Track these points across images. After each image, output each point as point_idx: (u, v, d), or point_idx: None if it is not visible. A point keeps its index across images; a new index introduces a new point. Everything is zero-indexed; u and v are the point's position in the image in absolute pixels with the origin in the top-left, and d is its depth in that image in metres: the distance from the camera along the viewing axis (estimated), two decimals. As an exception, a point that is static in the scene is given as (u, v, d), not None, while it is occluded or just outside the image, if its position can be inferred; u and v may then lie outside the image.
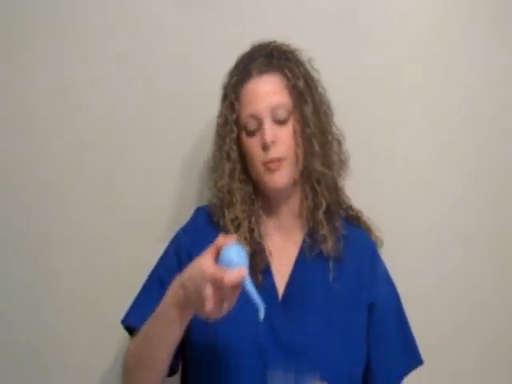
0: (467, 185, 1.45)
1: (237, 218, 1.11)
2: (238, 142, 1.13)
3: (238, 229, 1.10)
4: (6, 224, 1.40)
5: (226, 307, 0.88)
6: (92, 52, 1.41)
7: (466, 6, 1.45)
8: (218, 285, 0.85)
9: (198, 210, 1.21)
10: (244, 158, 1.14)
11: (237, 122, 1.12)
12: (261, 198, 1.16)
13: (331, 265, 1.11)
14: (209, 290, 0.86)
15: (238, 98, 1.11)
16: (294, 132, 1.10)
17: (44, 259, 1.41)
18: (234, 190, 1.13)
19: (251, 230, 1.11)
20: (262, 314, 0.86)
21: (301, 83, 1.11)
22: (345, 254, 1.12)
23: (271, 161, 1.08)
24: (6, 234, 1.40)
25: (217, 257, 0.89)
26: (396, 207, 1.42)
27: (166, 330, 0.95)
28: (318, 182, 1.12)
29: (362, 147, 1.39)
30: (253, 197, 1.15)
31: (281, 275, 1.11)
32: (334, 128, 1.17)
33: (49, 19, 1.40)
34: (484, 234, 1.45)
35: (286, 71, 1.11)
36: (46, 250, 1.41)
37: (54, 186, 1.41)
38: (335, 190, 1.16)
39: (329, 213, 1.13)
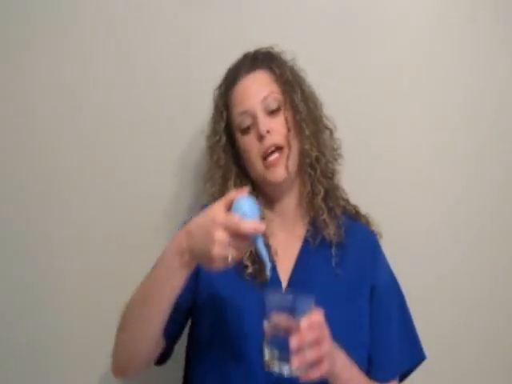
0: (467, 185, 1.45)
1: None
2: (233, 148, 1.17)
3: None
4: (5, 224, 1.41)
5: (232, 258, 0.89)
6: (92, 52, 1.41)
7: (466, 6, 1.45)
8: (231, 230, 0.87)
9: (203, 209, 1.22)
10: (240, 163, 1.17)
11: (229, 127, 1.16)
12: (262, 197, 1.17)
13: (333, 251, 1.13)
14: (220, 234, 0.87)
15: (227, 103, 1.16)
16: (286, 120, 1.13)
17: (44, 259, 1.41)
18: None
19: None
20: (268, 272, 0.91)
21: (288, 75, 1.15)
22: (347, 242, 1.14)
23: (268, 149, 1.10)
24: (6, 234, 1.41)
25: (228, 210, 0.91)
26: (396, 207, 1.42)
27: (166, 279, 0.95)
28: (314, 169, 1.15)
29: (362, 147, 1.39)
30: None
31: (284, 270, 1.12)
32: (324, 117, 1.20)
33: (49, 19, 1.41)
34: (484, 233, 1.45)
35: (273, 66, 1.16)
36: (45, 250, 1.41)
37: (54, 186, 1.41)
38: (332, 177, 1.18)
39: (327, 199, 1.16)
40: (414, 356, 1.16)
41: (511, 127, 1.46)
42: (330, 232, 1.14)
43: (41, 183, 1.41)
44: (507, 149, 1.46)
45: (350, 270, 1.13)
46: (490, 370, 1.44)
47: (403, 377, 1.17)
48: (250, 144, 1.12)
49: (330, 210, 1.16)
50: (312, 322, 0.89)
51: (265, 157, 1.11)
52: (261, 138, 1.10)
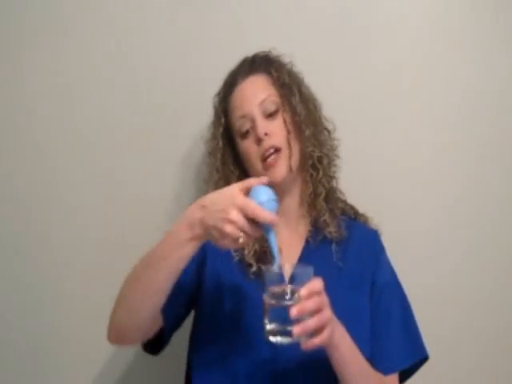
0: (467, 185, 1.45)
1: None
2: (233, 151, 1.18)
3: None
4: (6, 224, 1.41)
5: (241, 242, 0.90)
6: (92, 52, 1.41)
7: (466, 6, 1.45)
8: (247, 215, 0.89)
9: None
10: (241, 168, 1.18)
11: (227, 132, 1.18)
12: None
13: (334, 247, 1.14)
14: (235, 214, 0.88)
15: (226, 108, 1.17)
16: (285, 123, 1.14)
17: (44, 259, 1.41)
18: None
19: None
20: (276, 266, 0.93)
21: (286, 78, 1.16)
22: (347, 239, 1.16)
23: (267, 151, 1.11)
24: (6, 234, 1.41)
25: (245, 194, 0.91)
26: (396, 207, 1.42)
27: (173, 249, 0.95)
28: (316, 169, 1.16)
29: (362, 147, 1.39)
30: None
31: (287, 267, 1.12)
32: (323, 118, 1.21)
33: (49, 19, 1.41)
34: (484, 233, 1.45)
35: (271, 70, 1.17)
36: (45, 250, 1.41)
37: (54, 186, 1.41)
38: (333, 178, 1.19)
39: (328, 200, 1.17)
40: (415, 353, 1.16)
41: (511, 127, 1.46)
42: (331, 230, 1.15)
43: (41, 183, 1.41)
44: (507, 149, 1.45)
45: (350, 266, 1.14)
46: (490, 370, 1.44)
47: (406, 377, 1.16)
48: (249, 147, 1.14)
49: (331, 210, 1.17)
50: (311, 291, 0.90)
51: (264, 159, 1.12)
52: (259, 140, 1.12)
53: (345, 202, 1.24)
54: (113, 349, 1.38)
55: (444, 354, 1.39)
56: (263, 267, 0.95)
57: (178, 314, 1.13)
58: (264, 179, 0.95)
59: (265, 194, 0.91)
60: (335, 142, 1.21)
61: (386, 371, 1.10)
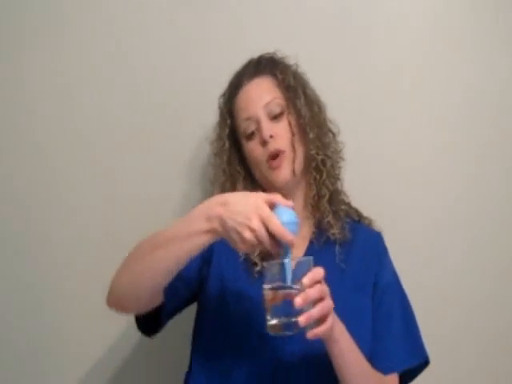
0: (467, 185, 1.45)
1: None
2: (239, 153, 1.18)
3: None
4: (6, 224, 1.41)
5: (257, 249, 0.91)
6: (92, 52, 1.41)
7: (466, 6, 1.45)
8: (269, 227, 0.89)
9: None
10: (247, 168, 1.18)
11: (233, 133, 1.18)
12: None
13: (337, 249, 1.15)
14: (258, 224, 0.88)
15: (231, 110, 1.18)
16: (290, 125, 1.14)
17: (44, 259, 1.41)
18: None
19: None
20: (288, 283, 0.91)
21: (291, 80, 1.17)
22: (350, 241, 1.16)
23: (272, 154, 1.12)
24: (6, 234, 1.41)
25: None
26: (396, 207, 1.42)
27: (187, 236, 0.94)
28: (320, 172, 1.16)
29: (362, 147, 1.39)
30: None
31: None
32: (328, 121, 1.21)
33: (49, 19, 1.41)
34: (484, 233, 1.45)
35: (276, 72, 1.17)
36: (45, 250, 1.41)
37: (54, 186, 1.41)
38: (337, 180, 1.19)
39: (332, 202, 1.17)
40: (416, 355, 1.15)
41: (511, 127, 1.46)
42: (335, 232, 1.15)
43: (41, 183, 1.41)
44: (507, 149, 1.46)
45: (354, 268, 1.14)
46: (490, 370, 1.44)
47: (406, 380, 1.16)
48: (254, 149, 1.15)
49: (335, 212, 1.17)
50: (313, 279, 0.90)
51: (268, 160, 1.12)
52: (264, 143, 1.12)
53: (349, 204, 1.24)
54: (113, 349, 1.39)
55: (444, 354, 1.38)
56: (264, 264, 0.95)
57: (177, 299, 1.12)
58: (290, 203, 0.94)
59: (289, 215, 0.92)
60: (340, 144, 1.21)
61: (385, 371, 1.10)
